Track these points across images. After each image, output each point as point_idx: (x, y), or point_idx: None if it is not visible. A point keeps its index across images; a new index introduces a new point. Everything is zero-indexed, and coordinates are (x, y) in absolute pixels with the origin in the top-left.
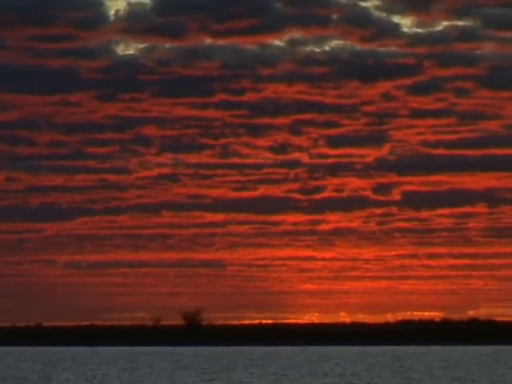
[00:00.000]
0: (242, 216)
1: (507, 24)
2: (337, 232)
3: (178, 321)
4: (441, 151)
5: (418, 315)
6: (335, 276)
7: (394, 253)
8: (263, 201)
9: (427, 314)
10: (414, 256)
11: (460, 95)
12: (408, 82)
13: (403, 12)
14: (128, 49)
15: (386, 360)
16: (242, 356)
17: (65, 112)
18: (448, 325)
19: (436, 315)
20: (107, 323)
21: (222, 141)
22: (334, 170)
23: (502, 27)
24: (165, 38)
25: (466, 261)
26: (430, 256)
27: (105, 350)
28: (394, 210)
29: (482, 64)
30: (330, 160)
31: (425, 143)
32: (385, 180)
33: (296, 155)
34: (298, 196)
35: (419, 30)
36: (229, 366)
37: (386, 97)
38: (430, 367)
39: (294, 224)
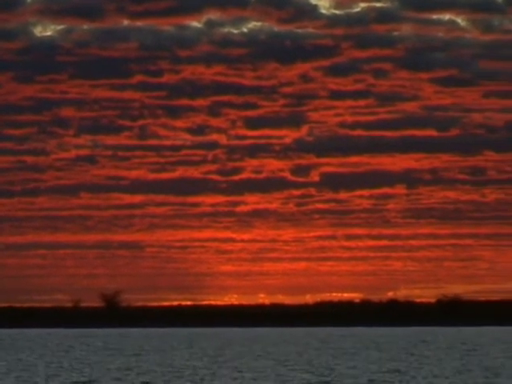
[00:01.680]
0: (160, 197)
1: (425, 5)
2: (255, 213)
3: (98, 303)
4: (359, 132)
5: (337, 296)
6: (254, 257)
7: (312, 234)
8: (182, 182)
9: (346, 296)
10: (333, 237)
11: (378, 76)
12: (326, 63)
13: None
14: (45, 30)
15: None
16: (163, 337)
17: None
18: (367, 306)
19: (355, 296)
20: (26, 305)
21: (140, 122)
22: (253, 151)
23: (419, 8)
24: (82, 19)
25: (385, 242)
26: (349, 237)
27: (24, 332)
28: (313, 191)
29: (400, 45)
30: (249, 141)
31: (343, 124)
32: (303, 161)
33: (214, 137)
34: (216, 177)
35: (337, 12)
36: (151, 348)
37: (305, 78)
38: (364, 347)
39: (213, 205)
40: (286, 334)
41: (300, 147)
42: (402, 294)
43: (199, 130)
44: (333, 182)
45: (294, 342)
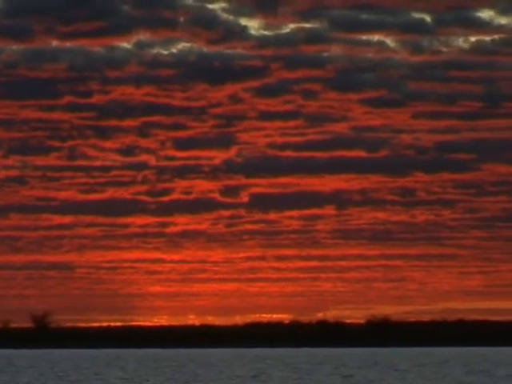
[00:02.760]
0: (90, 218)
1: (354, 26)
2: (185, 234)
3: (27, 323)
4: (288, 153)
5: (266, 317)
6: (184, 278)
7: (242, 255)
8: (111, 203)
9: (276, 317)
10: (263, 258)
11: (307, 97)
12: (256, 84)
13: (250, 14)
14: None
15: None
16: (91, 359)
17: None
18: (297, 327)
19: (285, 317)
20: None
21: (69, 143)
22: (182, 172)
23: (349, 29)
24: (11, 39)
25: (315, 263)
26: (279, 258)
27: None
28: (243, 212)
29: (329, 66)
30: (178, 162)
31: (272, 145)
32: (233, 182)
33: (144, 157)
34: (146, 198)
35: (266, 33)
36: (75, 368)
37: (234, 99)
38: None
39: (143, 226)
40: (214, 356)
41: (229, 168)
42: (331, 314)
43: (129, 150)
44: (262, 202)
45: (218, 364)
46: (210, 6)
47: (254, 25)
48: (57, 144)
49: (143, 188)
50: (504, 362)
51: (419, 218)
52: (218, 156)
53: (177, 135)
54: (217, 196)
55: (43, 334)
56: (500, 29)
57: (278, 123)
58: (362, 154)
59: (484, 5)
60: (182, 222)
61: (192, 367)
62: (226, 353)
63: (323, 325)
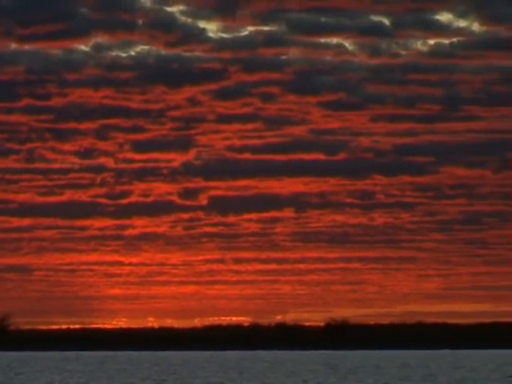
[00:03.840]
0: (48, 221)
1: (313, 29)
2: (144, 237)
3: None
4: (247, 156)
5: (225, 320)
6: (142, 281)
7: (201, 258)
8: (70, 206)
9: (235, 319)
10: (222, 261)
11: (266, 100)
12: (214, 87)
13: (209, 17)
14: None
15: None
16: (50, 361)
17: None
18: (256, 329)
19: (244, 320)
20: None
21: (28, 145)
22: (141, 175)
23: (307, 32)
24: None
25: (274, 266)
26: (238, 261)
27: None
28: (201, 214)
29: (288, 69)
30: (137, 165)
31: (231, 148)
32: (191, 185)
33: (102, 160)
34: (104, 201)
35: (225, 35)
36: (34, 371)
37: (192, 102)
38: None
39: (101, 229)
40: (173, 358)
41: (188, 171)
42: (290, 317)
43: (87, 153)
44: (221, 205)
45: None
46: (169, 9)
47: (212, 27)
48: (15, 146)
49: (102, 191)
50: (461, 364)
51: (378, 221)
52: (176, 159)
53: (135, 138)
54: (175, 199)
55: (2, 337)
56: (459, 32)
57: (237, 126)
58: (321, 156)
59: (443, 8)
60: (140, 225)
61: (145, 369)
62: (185, 356)
63: (282, 328)
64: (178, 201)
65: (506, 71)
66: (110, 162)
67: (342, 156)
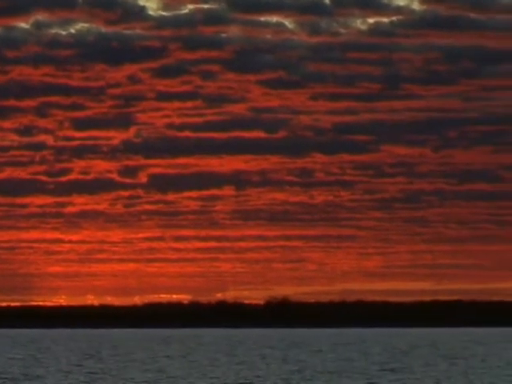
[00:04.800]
0: None
1: (253, 7)
2: (84, 215)
3: None
4: (187, 134)
5: (166, 298)
6: (82, 259)
7: (141, 235)
8: (9, 183)
9: (175, 297)
10: (161, 239)
11: (206, 78)
12: (154, 65)
13: None
14: None
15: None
16: None
17: None
18: (196, 307)
19: (184, 298)
20: None
21: None
22: (81, 152)
23: (247, 10)
24: None
25: (214, 243)
26: (178, 239)
27: None
28: (141, 192)
29: (227, 47)
30: (76, 142)
31: (171, 126)
32: (131, 163)
33: (42, 137)
34: (44, 178)
35: (165, 13)
36: None
37: (133, 80)
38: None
39: (41, 206)
40: (114, 335)
41: (128, 148)
42: (230, 295)
43: (26, 130)
44: (161, 183)
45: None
46: None
47: (152, 5)
48: None
49: (41, 168)
50: (403, 342)
51: (318, 199)
52: (116, 136)
53: (75, 115)
54: (115, 176)
55: None
56: (398, 10)
57: (177, 104)
58: (261, 134)
59: None
60: (80, 203)
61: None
62: (124, 333)
63: (222, 305)
64: (118, 178)
65: (445, 50)
66: (49, 140)
67: (281, 134)
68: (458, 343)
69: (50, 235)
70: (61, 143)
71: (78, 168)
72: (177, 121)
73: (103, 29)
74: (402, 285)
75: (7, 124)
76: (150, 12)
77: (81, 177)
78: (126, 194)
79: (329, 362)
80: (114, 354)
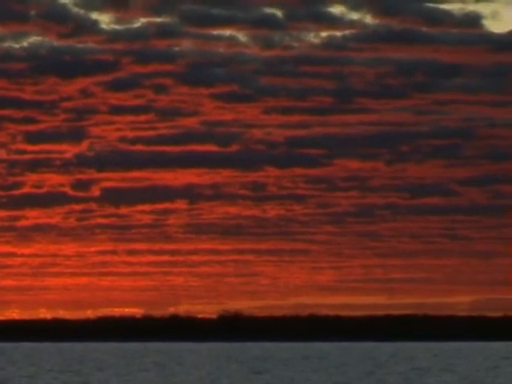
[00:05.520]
0: None
1: (205, 21)
2: (36, 228)
3: None
4: (140, 147)
5: (118, 311)
6: (35, 272)
7: (94, 249)
8: None
9: (128, 311)
10: (114, 252)
11: (159, 92)
12: (107, 78)
13: (101, 8)
14: None
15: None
16: None
17: None
18: (149, 321)
19: (137, 311)
20: None
21: None
22: (33, 166)
23: (200, 24)
24: None
25: (166, 257)
26: (130, 252)
27: None
28: (94, 206)
29: (180, 61)
30: (29, 156)
31: (123, 139)
32: (84, 176)
33: None
34: None
35: (117, 27)
36: None
37: (85, 93)
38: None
39: None
40: (64, 350)
41: (81, 162)
42: (183, 309)
43: None
44: (114, 196)
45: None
46: (61, 0)
47: (104, 19)
48: None
49: None
50: (355, 357)
51: (270, 213)
52: (69, 150)
53: (28, 129)
54: (68, 190)
55: None
56: (351, 24)
57: (129, 117)
58: (214, 148)
59: (335, 0)
60: (33, 216)
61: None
62: (77, 347)
63: (175, 319)
64: (71, 192)
65: (398, 64)
66: (1, 153)
67: (234, 148)
68: (410, 358)
69: (2, 249)
70: (13, 157)
71: (30, 181)
72: (129, 134)
73: (56, 42)
74: (354, 299)
75: None
76: (103, 26)
77: (33, 190)
78: (78, 207)
79: (282, 376)
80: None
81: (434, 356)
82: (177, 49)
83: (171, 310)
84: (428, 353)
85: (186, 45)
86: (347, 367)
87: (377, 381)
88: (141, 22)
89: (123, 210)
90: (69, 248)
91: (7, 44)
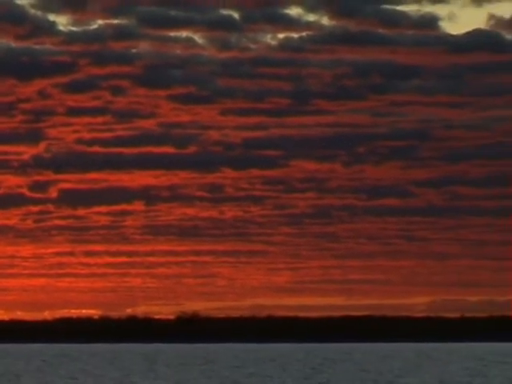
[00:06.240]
0: None
1: (162, 22)
2: None
3: None
4: (97, 149)
5: (76, 313)
6: None
7: (51, 250)
8: None
9: (85, 312)
10: (72, 254)
11: (116, 93)
12: (64, 80)
13: (59, 10)
14: None
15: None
16: None
17: None
18: (106, 322)
19: (94, 313)
20: None
21: None
22: None
23: (157, 26)
24: None
25: (124, 258)
26: (88, 254)
27: None
28: (51, 207)
29: (137, 62)
30: None
31: (81, 141)
32: (41, 177)
33: None
34: None
35: (75, 29)
36: None
37: (43, 95)
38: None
39: None
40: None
41: (38, 163)
42: (141, 310)
43: None
44: (71, 198)
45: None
46: (18, 2)
47: (62, 20)
48: None
49: None
50: (312, 358)
51: (228, 215)
52: (26, 151)
53: None
54: (25, 191)
55: None
56: (308, 26)
57: (87, 119)
58: (171, 150)
59: (292, 2)
60: None
61: None
62: (34, 348)
63: (133, 320)
64: (28, 193)
65: (354, 65)
66: None
67: (191, 149)
68: (369, 359)
69: None
70: None
71: None
72: (87, 136)
73: (13, 44)
74: (312, 300)
75: None
76: (60, 27)
77: None
78: (36, 209)
79: (241, 377)
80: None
81: (393, 357)
82: (134, 50)
83: (129, 311)
84: (386, 354)
85: (143, 46)
86: (305, 368)
87: (327, 381)
88: (98, 23)
89: (80, 212)
90: (26, 249)
91: None
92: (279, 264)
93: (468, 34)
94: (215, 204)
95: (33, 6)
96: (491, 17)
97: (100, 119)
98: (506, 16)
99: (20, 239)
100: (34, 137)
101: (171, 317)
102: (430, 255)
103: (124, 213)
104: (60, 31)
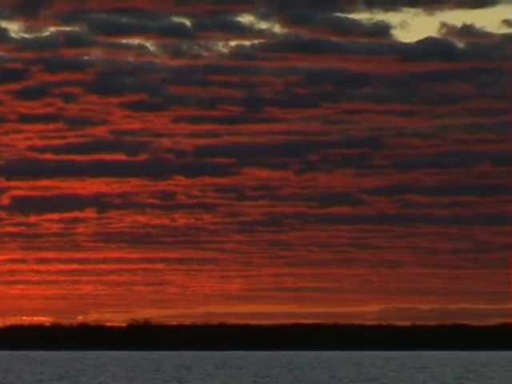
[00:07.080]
0: None
1: (114, 30)
2: None
3: None
4: (49, 156)
5: (27, 320)
6: None
7: (2, 257)
8: None
9: (37, 319)
10: (23, 261)
11: (68, 100)
12: (16, 87)
13: (11, 17)
14: None
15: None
16: None
17: None
18: (58, 329)
19: (45, 320)
20: None
21: None
22: None
23: (109, 33)
24: None
25: (75, 266)
26: (39, 261)
27: None
28: (3, 214)
29: (90, 69)
30: None
31: (32, 148)
32: None
33: None
34: None
35: (27, 36)
36: None
37: None
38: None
39: None
40: None
41: None
42: (92, 317)
43: None
44: (23, 205)
45: None
46: None
47: (14, 27)
48: None
49: None
50: (264, 365)
51: (179, 222)
52: None
53: None
54: None
55: None
56: (260, 34)
57: (39, 126)
58: (122, 157)
59: (244, 10)
60: None
61: None
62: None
63: (84, 328)
64: None
65: (306, 73)
66: None
67: (143, 157)
68: (319, 367)
69: None
70: None
71: None
72: (38, 143)
73: None
74: (264, 308)
75: None
76: (12, 34)
77: None
78: None
79: None
80: None
81: (345, 364)
82: (86, 58)
83: (80, 318)
84: (338, 361)
85: (95, 54)
86: (257, 375)
87: None
88: (50, 30)
89: (32, 219)
90: None
91: None
92: (231, 272)
93: (420, 42)
94: (167, 211)
95: None
96: (443, 25)
97: (52, 126)
98: (458, 24)
99: None
100: None
101: (123, 324)
102: (381, 263)
103: (76, 220)
104: (12, 38)
